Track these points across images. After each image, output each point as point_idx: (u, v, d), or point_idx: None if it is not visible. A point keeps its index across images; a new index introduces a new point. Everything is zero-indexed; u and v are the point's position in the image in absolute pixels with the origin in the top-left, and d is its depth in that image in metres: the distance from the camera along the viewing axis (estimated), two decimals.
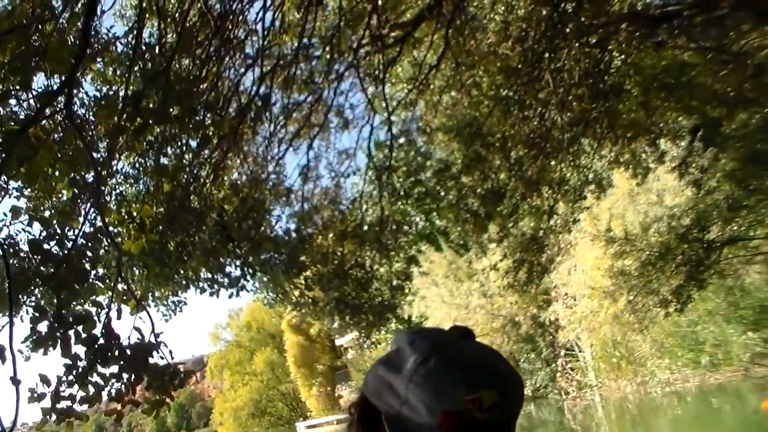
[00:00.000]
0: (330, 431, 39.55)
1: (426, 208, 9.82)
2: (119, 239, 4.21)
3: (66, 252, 3.70)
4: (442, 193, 10.39)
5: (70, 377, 3.51)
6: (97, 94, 6.16)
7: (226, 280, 6.68)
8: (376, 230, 8.82)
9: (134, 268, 5.48)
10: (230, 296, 7.04)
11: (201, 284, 6.55)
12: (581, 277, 21.26)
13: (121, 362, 3.55)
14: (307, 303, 8.54)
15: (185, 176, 6.02)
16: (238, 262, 6.70)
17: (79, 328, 3.42)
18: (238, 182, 7.27)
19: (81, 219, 4.14)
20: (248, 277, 6.89)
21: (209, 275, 6.52)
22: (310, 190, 9.04)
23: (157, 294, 6.21)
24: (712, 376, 16.88)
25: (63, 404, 3.52)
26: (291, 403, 51.75)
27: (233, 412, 52.32)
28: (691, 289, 9.01)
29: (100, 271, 4.23)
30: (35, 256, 3.76)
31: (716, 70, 9.22)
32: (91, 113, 5.65)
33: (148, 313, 3.96)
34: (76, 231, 3.95)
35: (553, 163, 11.22)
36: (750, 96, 9.26)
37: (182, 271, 5.94)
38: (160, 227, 5.23)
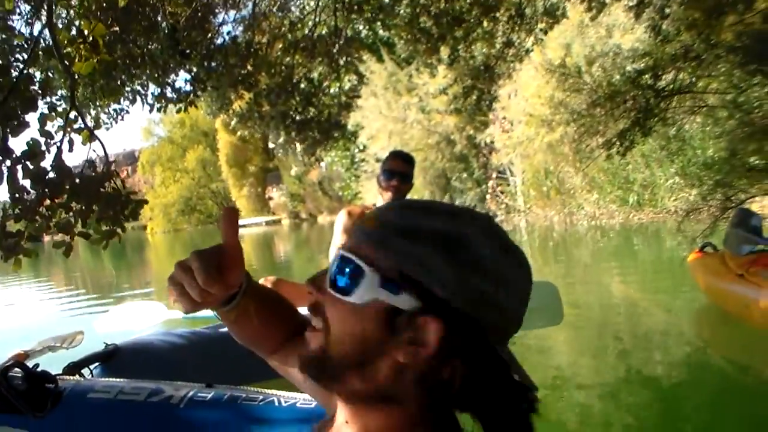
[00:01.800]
0: (258, 231, 40.23)
1: (378, 24, 9.43)
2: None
3: (13, 78, 3.37)
4: (397, 10, 9.95)
5: (17, 211, 3.31)
6: None
7: (175, 95, 6.37)
8: (327, 43, 8.49)
9: (80, 87, 5.11)
10: (178, 111, 6.75)
11: (148, 99, 6.24)
12: (521, 103, 21.34)
13: (73, 194, 3.36)
14: (253, 116, 8.29)
15: None
16: (188, 76, 6.38)
17: (27, 162, 3.18)
18: None
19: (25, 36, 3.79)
20: (198, 93, 6.58)
21: (158, 89, 6.22)
22: None
23: (98, 102, 5.88)
24: (637, 215, 17.46)
25: (9, 240, 3.34)
26: (221, 201, 52.39)
27: (163, 207, 52.68)
28: (636, 134, 9.01)
29: (48, 98, 3.92)
30: None
31: None
32: None
33: (101, 142, 3.71)
34: (24, 55, 3.60)
35: None
36: None
37: (130, 86, 5.62)
38: (111, 44, 4.87)
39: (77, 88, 3.88)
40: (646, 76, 9.18)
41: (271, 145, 42.57)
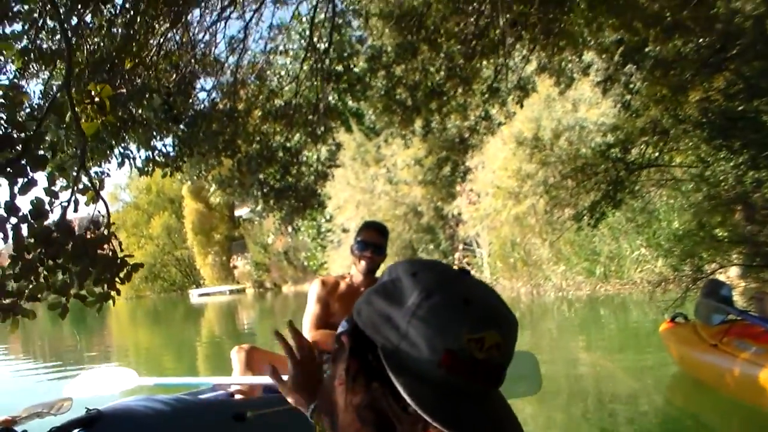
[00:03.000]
0: (222, 300, 39.81)
1: (355, 95, 9.60)
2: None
3: (24, 136, 3.36)
4: (373, 82, 10.13)
5: (16, 270, 3.28)
6: None
7: (163, 159, 6.38)
8: (305, 113, 8.59)
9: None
10: (164, 175, 6.77)
11: (137, 162, 6.25)
12: (488, 175, 21.59)
13: (74, 256, 3.33)
14: (233, 183, 8.32)
15: (146, 53, 5.63)
16: (176, 141, 6.41)
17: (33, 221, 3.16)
18: (173, 51, 6.84)
19: (36, 97, 3.81)
20: (185, 158, 6.61)
21: (147, 153, 6.24)
22: (235, 62, 8.65)
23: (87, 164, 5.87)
24: (603, 286, 17.61)
25: (8, 300, 3.29)
26: (185, 269, 51.93)
27: None
28: (606, 206, 9.18)
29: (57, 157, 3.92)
30: None
31: None
32: None
33: (105, 203, 3.70)
34: (36, 114, 3.60)
35: (485, 63, 11.12)
36: (687, 24, 9.29)
37: (119, 148, 5.63)
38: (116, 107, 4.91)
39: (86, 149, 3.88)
40: (616, 149, 9.40)
41: (237, 214, 42.57)
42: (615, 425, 6.40)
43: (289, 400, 1.50)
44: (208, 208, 46.80)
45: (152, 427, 4.19)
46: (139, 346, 17.62)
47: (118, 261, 3.81)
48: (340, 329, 1.15)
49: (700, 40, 9.19)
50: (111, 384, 6.40)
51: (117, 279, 3.81)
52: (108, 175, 6.22)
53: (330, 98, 9.62)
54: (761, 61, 7.94)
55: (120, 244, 3.99)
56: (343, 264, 27.03)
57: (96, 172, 6.04)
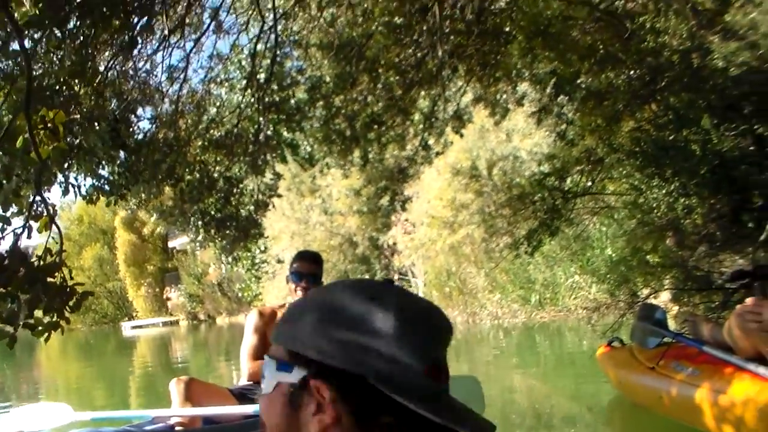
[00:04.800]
0: (155, 333, 39.03)
1: (294, 126, 9.60)
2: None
3: None
4: (312, 112, 10.19)
5: None
6: None
7: (108, 187, 6.30)
8: (245, 143, 8.59)
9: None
10: (108, 204, 6.68)
11: (81, 191, 6.15)
12: (423, 205, 21.78)
13: (25, 284, 3.26)
14: (174, 213, 8.24)
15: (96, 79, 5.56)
16: (120, 169, 6.33)
17: None
18: (116, 78, 6.77)
19: None
20: (130, 186, 6.53)
21: (92, 181, 6.15)
22: (176, 91, 8.60)
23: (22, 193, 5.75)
24: (539, 314, 17.85)
25: None
26: (117, 301, 50.80)
27: None
28: (543, 234, 9.36)
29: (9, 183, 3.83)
30: None
31: (595, 27, 9.52)
32: None
33: (59, 229, 3.65)
34: None
35: (422, 93, 11.30)
36: (619, 57, 9.60)
37: (62, 176, 5.54)
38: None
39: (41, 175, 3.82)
40: (552, 178, 9.60)
41: (171, 245, 41.95)
42: None
43: None
44: (141, 240, 46.02)
45: None
46: (71, 380, 17.13)
47: (68, 289, 3.75)
48: (277, 378, 1.09)
49: (632, 72, 9.50)
50: (45, 420, 6.20)
51: (67, 308, 3.75)
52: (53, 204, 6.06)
53: (268, 129, 9.62)
54: (688, 93, 8.24)
55: (70, 272, 3.94)
56: (278, 295, 26.82)
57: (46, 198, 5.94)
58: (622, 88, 9.36)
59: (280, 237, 26.80)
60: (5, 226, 3.33)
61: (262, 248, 28.59)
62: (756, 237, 7.29)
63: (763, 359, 4.79)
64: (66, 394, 14.57)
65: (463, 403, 1.07)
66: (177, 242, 41.34)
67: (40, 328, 3.47)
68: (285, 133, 10.37)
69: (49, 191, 5.43)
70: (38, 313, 3.65)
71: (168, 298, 46.10)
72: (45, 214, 3.61)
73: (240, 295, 36.50)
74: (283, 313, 1.15)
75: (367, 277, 25.73)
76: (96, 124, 5.56)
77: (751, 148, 7.26)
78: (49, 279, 3.52)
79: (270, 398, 1.10)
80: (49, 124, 3.58)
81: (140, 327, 43.56)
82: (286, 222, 26.42)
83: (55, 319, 3.58)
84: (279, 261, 26.99)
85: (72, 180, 5.93)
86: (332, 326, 1.06)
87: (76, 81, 5.11)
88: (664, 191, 7.75)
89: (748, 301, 4.49)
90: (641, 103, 9.18)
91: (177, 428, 5.13)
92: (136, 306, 48.70)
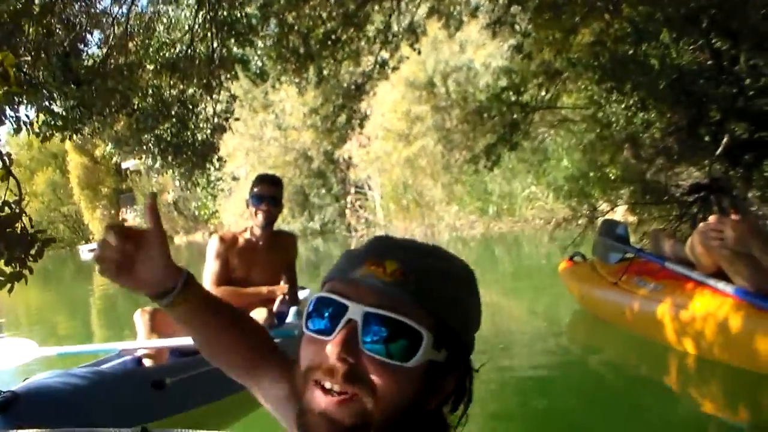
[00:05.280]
0: None
1: (244, 42, 9.34)
2: None
3: None
4: (265, 30, 9.94)
5: None
6: None
7: (61, 123, 6.09)
8: (199, 64, 8.37)
9: None
10: (62, 140, 6.48)
11: (33, 128, 5.93)
12: (378, 118, 21.65)
13: None
14: (130, 142, 8.07)
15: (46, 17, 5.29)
16: (74, 103, 6.11)
17: None
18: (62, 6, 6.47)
19: None
20: (85, 120, 6.32)
21: (45, 118, 5.92)
22: (125, 14, 8.29)
23: None
24: (497, 224, 18.04)
25: None
26: (73, 225, 50.28)
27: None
28: (502, 150, 9.37)
29: None
30: None
31: None
32: None
33: (17, 180, 3.53)
34: None
35: (376, 8, 11.07)
36: None
37: (15, 114, 5.33)
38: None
39: None
40: (510, 92, 9.54)
41: (124, 166, 41.26)
42: (516, 359, 6.62)
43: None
44: (93, 162, 45.30)
45: (72, 403, 4.07)
46: (31, 310, 16.93)
47: (29, 238, 3.67)
48: (429, 357, 1.05)
49: None
50: (10, 357, 6.11)
51: (29, 257, 3.68)
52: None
53: (222, 49, 9.37)
54: (645, 6, 8.17)
55: (30, 220, 3.85)
56: (235, 212, 26.74)
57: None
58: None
59: (235, 154, 26.54)
60: None
61: (217, 166, 28.36)
62: (713, 150, 7.38)
63: (723, 275, 4.89)
64: (28, 326, 14.42)
65: None
66: (130, 163, 40.73)
67: (1, 279, 3.39)
68: (235, 49, 10.11)
69: None
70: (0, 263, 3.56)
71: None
72: (0, 165, 3.49)
73: (196, 213, 36.32)
74: (423, 269, 1.06)
75: (323, 191, 25.78)
76: (46, 59, 5.37)
77: (709, 62, 7.27)
78: (10, 230, 3.44)
79: (411, 372, 1.03)
80: None
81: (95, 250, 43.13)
82: (240, 139, 26.13)
83: (18, 269, 3.50)
84: (234, 178, 26.80)
85: (23, 117, 5.76)
86: (477, 311, 1.15)
87: (24, 21, 4.89)
88: (623, 105, 7.75)
89: (711, 218, 4.55)
90: (599, 15, 9.10)
91: (145, 360, 5.13)
92: (92, 228, 48.26)
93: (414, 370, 1.02)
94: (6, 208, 3.58)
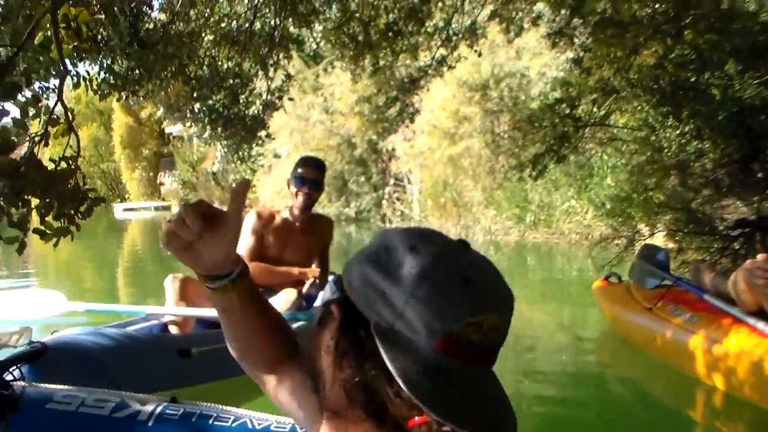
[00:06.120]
0: (147, 216, 39.10)
1: (302, 23, 9.37)
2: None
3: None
4: (328, 13, 9.99)
5: None
6: None
7: (119, 82, 6.18)
8: (258, 40, 8.43)
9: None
10: (118, 99, 6.59)
11: (92, 85, 6.03)
12: (426, 114, 21.61)
13: (41, 190, 3.22)
14: (182, 109, 8.15)
15: None
16: (134, 63, 6.20)
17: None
18: None
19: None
20: (143, 82, 6.40)
21: (105, 75, 6.01)
22: None
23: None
24: (532, 234, 17.97)
25: None
26: (111, 183, 50.84)
27: None
28: (550, 161, 9.31)
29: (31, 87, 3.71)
30: None
31: None
32: None
33: (77, 137, 3.58)
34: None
35: (440, 5, 11.07)
36: None
37: (73, 67, 5.42)
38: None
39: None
40: (564, 104, 9.48)
41: (167, 130, 41.61)
42: (540, 371, 6.62)
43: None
44: (138, 123, 45.72)
45: (99, 362, 4.13)
46: (60, 263, 17.15)
47: (80, 195, 3.72)
48: (328, 293, 1.11)
49: (656, 5, 9.28)
50: (39, 308, 6.18)
51: (78, 214, 3.73)
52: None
53: (278, 24, 9.41)
54: (713, 34, 8.07)
55: (84, 177, 3.90)
56: (272, 190, 26.83)
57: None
58: (645, 20, 9.17)
59: (279, 133, 26.63)
60: (20, 131, 3.24)
61: (265, 142, 28.52)
62: (763, 188, 7.29)
63: (764, 315, 4.85)
64: (56, 278, 14.61)
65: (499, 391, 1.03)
66: (174, 128, 41.01)
67: (49, 233, 3.44)
68: (291, 29, 10.15)
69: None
70: (49, 218, 3.62)
71: (161, 183, 46.18)
72: (63, 120, 3.53)
73: (234, 185, 36.52)
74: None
75: (362, 179, 25.80)
76: (114, 18, 5.44)
77: None
78: (64, 186, 3.49)
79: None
80: (72, 23, 3.48)
81: (132, 210, 43.63)
82: (286, 118, 26.21)
83: (65, 224, 3.55)
84: (276, 156, 26.87)
85: (84, 73, 5.84)
86: (366, 260, 1.06)
87: None
88: (677, 132, 7.66)
89: (760, 257, 4.51)
90: (663, 37, 9.00)
91: (170, 327, 5.19)
92: (129, 189, 48.85)
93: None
94: (63, 163, 3.62)
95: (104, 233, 29.92)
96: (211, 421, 2.90)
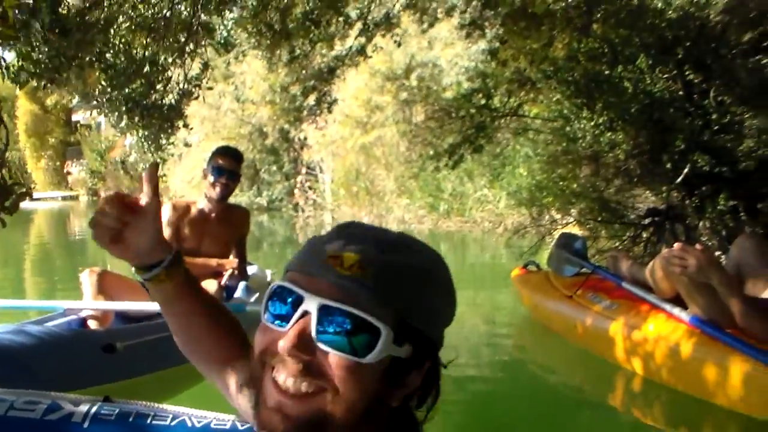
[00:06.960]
0: (54, 206, 37.87)
1: (214, 10, 9.24)
2: None
3: None
4: (245, 2, 9.88)
5: None
6: None
7: (37, 71, 5.95)
8: (175, 29, 8.28)
9: None
10: (44, 86, 6.38)
11: (9, 72, 5.80)
12: (338, 103, 21.61)
13: None
14: (99, 99, 7.95)
15: None
16: (54, 52, 5.99)
17: None
18: None
19: None
20: (64, 70, 6.19)
21: (21, 63, 5.80)
22: None
23: None
24: (445, 222, 18.17)
25: None
26: (16, 173, 48.97)
27: None
28: (466, 151, 9.43)
29: None
30: None
31: None
32: None
33: (6, 128, 3.45)
34: None
35: None
36: None
37: None
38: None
39: None
40: (480, 95, 9.61)
41: (74, 118, 40.37)
42: (464, 361, 6.68)
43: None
44: (43, 111, 44.26)
45: (19, 360, 3.99)
46: None
47: (5, 189, 3.61)
48: (390, 351, 1.04)
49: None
50: None
51: (4, 209, 3.62)
52: None
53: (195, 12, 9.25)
54: (624, 29, 8.30)
55: (10, 171, 3.79)
56: (183, 179, 26.39)
57: None
58: (558, 13, 9.39)
59: (190, 120, 26.17)
60: None
61: (177, 130, 28.01)
62: (672, 178, 7.54)
63: (679, 301, 5.04)
64: None
65: None
66: (81, 116, 39.79)
67: None
68: (203, 17, 10.00)
69: None
70: None
71: (68, 173, 44.87)
72: None
73: (143, 175, 35.74)
74: (380, 264, 1.04)
75: (274, 168, 25.62)
76: (34, 4, 5.27)
77: (680, 93, 7.43)
78: None
79: (370, 368, 1.01)
80: None
81: (38, 200, 42.24)
82: (197, 106, 25.81)
83: None
84: (186, 145, 26.41)
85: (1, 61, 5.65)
86: (447, 305, 1.17)
87: None
88: (591, 123, 7.86)
89: (676, 245, 4.67)
90: (575, 31, 9.23)
91: (90, 322, 5.05)
92: (35, 178, 47.15)
93: (374, 366, 1.01)
94: None
95: (8, 224, 28.81)
96: (149, 420, 2.81)
